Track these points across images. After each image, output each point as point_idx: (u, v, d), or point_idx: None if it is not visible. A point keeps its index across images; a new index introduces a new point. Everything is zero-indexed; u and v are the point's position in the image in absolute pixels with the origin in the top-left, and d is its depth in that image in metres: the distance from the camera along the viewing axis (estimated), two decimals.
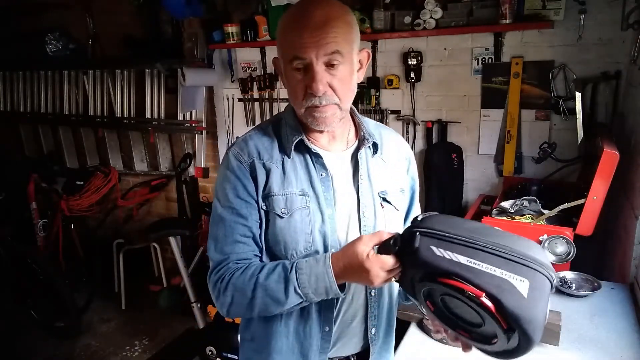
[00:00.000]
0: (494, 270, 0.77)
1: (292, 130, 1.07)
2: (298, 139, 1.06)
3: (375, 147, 1.12)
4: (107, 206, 3.84)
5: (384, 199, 1.11)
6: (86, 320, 3.35)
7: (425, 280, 0.83)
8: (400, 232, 0.89)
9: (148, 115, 3.46)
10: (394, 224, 1.12)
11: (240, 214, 1.04)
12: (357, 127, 1.13)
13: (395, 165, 1.18)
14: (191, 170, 3.51)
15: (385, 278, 0.89)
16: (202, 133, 3.40)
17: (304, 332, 1.09)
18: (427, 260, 0.81)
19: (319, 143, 1.09)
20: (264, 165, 1.06)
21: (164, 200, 3.85)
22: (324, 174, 1.07)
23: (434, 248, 0.81)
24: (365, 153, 1.11)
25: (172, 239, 3.02)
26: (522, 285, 0.76)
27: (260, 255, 1.07)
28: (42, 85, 3.85)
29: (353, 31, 0.99)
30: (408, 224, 1.16)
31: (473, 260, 0.78)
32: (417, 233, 0.83)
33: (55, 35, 3.56)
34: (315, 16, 0.94)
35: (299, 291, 0.96)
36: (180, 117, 3.39)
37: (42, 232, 3.60)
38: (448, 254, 0.80)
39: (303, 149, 1.07)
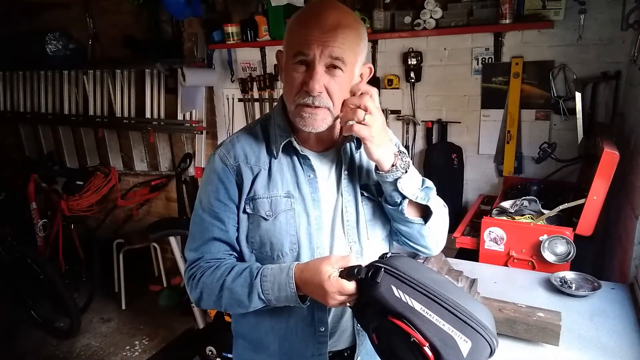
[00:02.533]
0: (443, 325, 0.80)
1: (281, 131, 1.07)
2: (286, 140, 1.05)
3: (358, 142, 1.11)
4: (107, 206, 3.85)
5: (362, 193, 1.11)
6: (86, 320, 3.35)
7: (377, 315, 0.86)
8: (367, 264, 0.91)
9: (148, 115, 3.46)
10: (376, 214, 1.12)
11: (219, 217, 1.06)
12: None
13: None
14: (191, 170, 3.50)
15: (340, 301, 0.92)
16: (202, 133, 3.40)
17: (298, 334, 1.10)
18: (384, 297, 0.84)
19: (307, 144, 1.09)
20: (250, 169, 1.06)
21: (164, 200, 3.85)
22: (311, 175, 1.07)
23: (394, 288, 0.85)
24: (349, 148, 1.11)
25: (172, 239, 3.03)
26: (464, 345, 0.79)
27: (234, 254, 1.09)
28: (42, 85, 3.85)
29: (361, 44, 1.00)
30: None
31: (426, 310, 0.82)
32: (383, 269, 0.86)
33: (55, 35, 3.56)
34: (329, 18, 0.95)
35: (262, 297, 0.99)
36: (180, 117, 3.39)
37: (42, 232, 3.60)
38: (405, 297, 0.83)
39: (291, 150, 1.07)
